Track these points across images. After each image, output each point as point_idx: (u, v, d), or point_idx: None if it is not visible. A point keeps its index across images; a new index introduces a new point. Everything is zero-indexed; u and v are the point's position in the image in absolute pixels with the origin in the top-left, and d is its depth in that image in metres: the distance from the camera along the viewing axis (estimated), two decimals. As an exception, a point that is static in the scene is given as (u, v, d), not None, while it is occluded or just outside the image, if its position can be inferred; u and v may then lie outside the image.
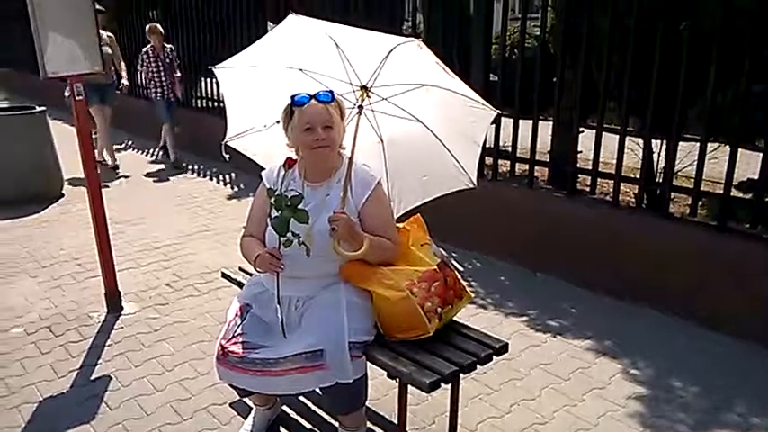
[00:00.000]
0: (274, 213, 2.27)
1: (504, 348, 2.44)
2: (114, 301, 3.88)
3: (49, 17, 3.37)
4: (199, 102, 8.52)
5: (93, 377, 3.18)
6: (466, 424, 2.74)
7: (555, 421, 2.81)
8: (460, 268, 4.50)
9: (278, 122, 2.46)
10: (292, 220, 2.23)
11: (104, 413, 2.89)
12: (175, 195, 6.50)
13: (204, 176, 7.33)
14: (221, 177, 7.20)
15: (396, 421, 2.54)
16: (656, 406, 2.93)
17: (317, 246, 2.28)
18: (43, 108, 6.49)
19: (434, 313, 2.35)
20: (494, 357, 2.40)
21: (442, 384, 2.24)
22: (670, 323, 3.67)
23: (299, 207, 2.25)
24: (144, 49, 7.59)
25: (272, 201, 2.28)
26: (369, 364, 2.38)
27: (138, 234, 5.29)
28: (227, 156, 2.69)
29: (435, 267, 2.42)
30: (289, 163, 2.43)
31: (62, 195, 6.40)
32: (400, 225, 2.59)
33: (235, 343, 2.32)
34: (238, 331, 2.36)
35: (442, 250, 2.63)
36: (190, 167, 7.69)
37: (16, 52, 14.09)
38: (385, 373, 2.38)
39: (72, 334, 3.60)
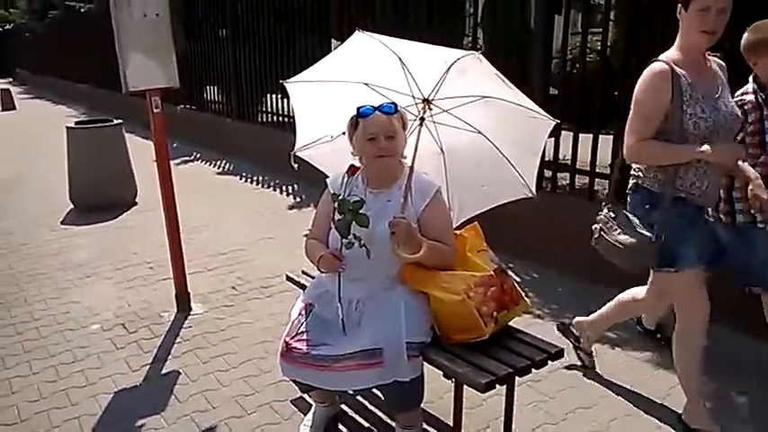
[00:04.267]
0: (337, 216, 2.41)
1: (559, 354, 2.47)
2: (184, 302, 4.09)
3: (132, 38, 3.63)
4: (264, 116, 8.82)
5: (163, 372, 3.38)
6: (520, 429, 2.78)
7: (612, 430, 2.81)
8: (518, 279, 4.52)
9: (344, 133, 2.59)
10: (354, 223, 2.36)
11: (174, 405, 3.06)
12: (241, 205, 6.76)
13: (267, 187, 7.58)
14: (284, 188, 7.43)
15: (451, 423, 2.60)
16: (717, 418, 2.88)
17: (377, 248, 2.39)
18: (120, 121, 6.87)
19: (490, 317, 2.40)
20: (549, 362, 2.44)
21: (497, 387, 2.30)
22: (734, 338, 3.58)
23: (361, 211, 2.38)
24: (742, 92, 2.92)
25: (336, 205, 2.42)
26: (426, 366, 2.46)
27: (206, 240, 5.53)
28: (296, 165, 2.83)
29: (492, 273, 2.48)
30: (352, 170, 2.56)
31: (135, 203, 6.74)
32: (457, 232, 2.67)
33: (299, 340, 2.44)
34: (302, 329, 2.48)
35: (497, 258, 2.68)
36: (253, 178, 7.96)
37: (93, 70, 14.92)
38: (441, 376, 2.45)
39: (144, 331, 3.82)
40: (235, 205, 6.74)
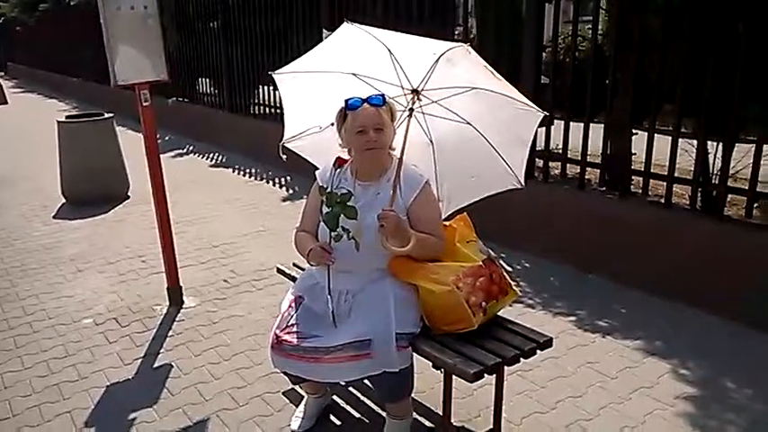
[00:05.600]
0: (326, 209, 2.41)
1: (548, 343, 2.48)
2: (176, 296, 4.09)
3: (120, 31, 3.60)
4: (256, 108, 8.79)
5: (156, 365, 3.38)
6: (510, 418, 2.80)
7: (600, 418, 2.83)
8: (509, 269, 4.53)
9: (332, 125, 2.58)
10: (342, 215, 2.36)
11: (166, 398, 3.06)
12: (233, 198, 6.75)
13: (260, 180, 7.57)
14: (276, 180, 7.42)
15: (441, 412, 2.62)
16: (706, 406, 2.91)
17: (366, 241, 2.39)
18: (111, 114, 6.84)
19: (479, 307, 2.42)
20: (537, 351, 2.46)
21: (486, 376, 2.31)
22: (720, 325, 3.62)
23: (349, 204, 2.38)
24: None
25: (324, 198, 2.42)
26: (416, 356, 2.47)
27: (198, 233, 5.53)
28: (284, 156, 2.82)
29: (480, 263, 2.48)
30: (339, 162, 2.56)
31: (128, 197, 6.72)
32: (447, 223, 2.67)
33: (289, 332, 2.45)
34: (292, 321, 2.49)
35: (487, 248, 2.69)
36: (246, 170, 7.94)
37: (84, 63, 14.85)
38: (431, 366, 2.46)
39: (137, 325, 3.82)
40: (227, 198, 6.73)
